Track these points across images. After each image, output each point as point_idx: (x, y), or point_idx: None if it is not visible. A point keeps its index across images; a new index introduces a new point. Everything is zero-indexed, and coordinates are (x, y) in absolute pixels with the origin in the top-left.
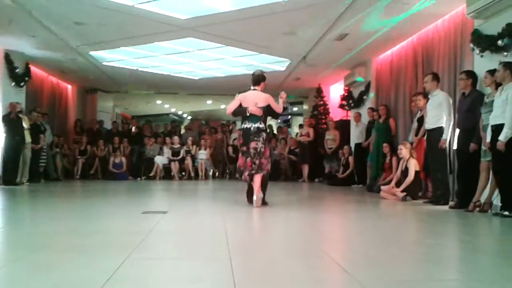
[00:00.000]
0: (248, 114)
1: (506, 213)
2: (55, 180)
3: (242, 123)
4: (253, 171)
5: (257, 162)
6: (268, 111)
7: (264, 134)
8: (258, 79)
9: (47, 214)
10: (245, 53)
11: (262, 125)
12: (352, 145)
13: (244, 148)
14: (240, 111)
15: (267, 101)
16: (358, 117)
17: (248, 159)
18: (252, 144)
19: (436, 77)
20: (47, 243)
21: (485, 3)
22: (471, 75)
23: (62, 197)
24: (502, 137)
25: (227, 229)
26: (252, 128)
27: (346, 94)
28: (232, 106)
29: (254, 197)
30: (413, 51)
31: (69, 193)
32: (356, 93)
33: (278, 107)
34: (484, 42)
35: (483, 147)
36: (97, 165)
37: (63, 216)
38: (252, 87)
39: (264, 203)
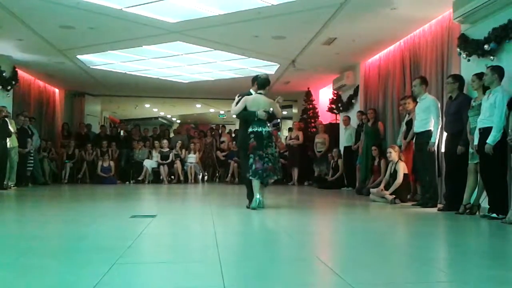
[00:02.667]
0: (256, 119)
1: (494, 215)
2: (42, 184)
3: (250, 126)
4: (276, 176)
5: (277, 166)
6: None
7: (273, 138)
8: (264, 82)
9: (34, 218)
10: (234, 57)
11: (270, 129)
12: (341, 148)
13: (261, 153)
14: (248, 115)
15: (271, 106)
16: (347, 120)
17: (270, 164)
18: (269, 150)
19: (424, 81)
20: (35, 247)
21: (472, 8)
22: (458, 79)
23: (50, 201)
24: (490, 140)
25: (217, 233)
26: (264, 133)
27: (335, 97)
28: (237, 108)
29: (258, 197)
30: (400, 55)
31: (56, 197)
32: (345, 96)
33: (279, 113)
34: (471, 46)
35: (470, 150)
36: (85, 169)
37: (51, 220)
38: (257, 91)
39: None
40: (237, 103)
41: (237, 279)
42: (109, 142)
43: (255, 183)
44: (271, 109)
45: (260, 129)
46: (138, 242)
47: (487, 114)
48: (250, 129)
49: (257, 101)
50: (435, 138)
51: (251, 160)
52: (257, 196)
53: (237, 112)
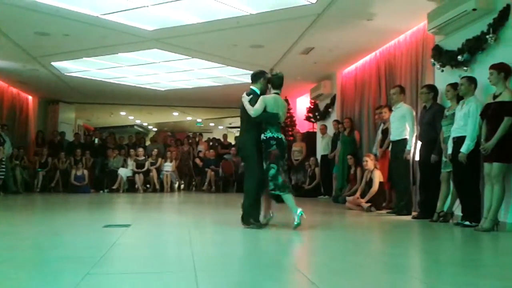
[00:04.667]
0: (278, 122)
1: (467, 223)
2: (14, 193)
3: (268, 131)
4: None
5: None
6: None
7: None
8: (281, 82)
9: (5, 228)
10: (211, 65)
11: None
12: (318, 156)
13: (282, 163)
14: (271, 117)
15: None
16: (324, 129)
17: (286, 178)
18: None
19: (403, 90)
20: (6, 258)
21: (445, 20)
22: (433, 89)
23: (21, 210)
24: (464, 149)
25: (192, 243)
26: (284, 140)
27: (312, 106)
28: (260, 108)
29: (300, 210)
30: (376, 65)
31: (28, 206)
32: (322, 105)
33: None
34: (445, 57)
35: (443, 159)
36: (58, 178)
37: (22, 230)
38: (273, 91)
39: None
40: (250, 103)
41: None
42: (83, 150)
43: (288, 197)
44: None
45: (281, 136)
46: (112, 252)
47: (461, 124)
48: (269, 134)
49: (277, 102)
50: (410, 146)
51: (272, 171)
52: (298, 210)
53: (259, 113)
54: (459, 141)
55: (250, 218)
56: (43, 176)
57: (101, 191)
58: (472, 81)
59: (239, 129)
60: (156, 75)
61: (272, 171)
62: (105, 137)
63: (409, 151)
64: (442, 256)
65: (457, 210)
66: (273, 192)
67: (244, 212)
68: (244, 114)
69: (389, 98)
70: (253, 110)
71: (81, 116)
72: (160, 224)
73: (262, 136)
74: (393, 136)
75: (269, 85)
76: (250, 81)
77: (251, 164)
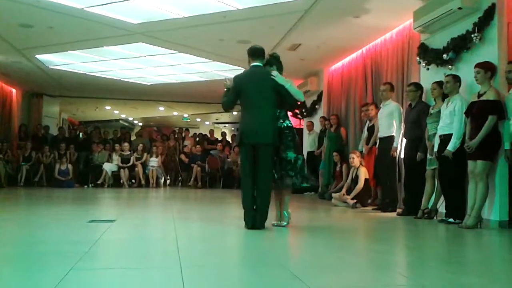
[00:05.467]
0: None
1: (451, 220)
2: None
3: (282, 119)
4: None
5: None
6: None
7: None
8: (281, 64)
9: None
10: (198, 60)
11: None
12: (305, 153)
13: None
14: (293, 97)
15: None
16: (310, 126)
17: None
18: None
19: (393, 88)
20: None
21: (431, 19)
22: (420, 87)
23: (4, 204)
24: (451, 147)
25: (178, 238)
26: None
27: (299, 103)
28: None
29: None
30: (362, 62)
31: (11, 200)
32: (308, 102)
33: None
34: (430, 55)
35: (428, 156)
36: (42, 172)
37: (5, 224)
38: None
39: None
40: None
41: (198, 285)
42: (67, 145)
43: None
44: None
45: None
46: (96, 247)
47: (448, 121)
48: (288, 122)
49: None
50: (397, 143)
51: (300, 162)
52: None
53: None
54: (445, 139)
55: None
56: (27, 170)
57: (86, 186)
58: (457, 79)
59: (246, 112)
60: (141, 69)
61: (299, 162)
62: (90, 132)
63: (396, 148)
64: (426, 252)
65: (441, 207)
66: (303, 185)
67: (263, 216)
68: (269, 95)
69: (378, 94)
70: (301, 94)
71: (65, 110)
72: (145, 219)
73: (283, 124)
74: (381, 133)
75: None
76: (251, 56)
77: (272, 155)
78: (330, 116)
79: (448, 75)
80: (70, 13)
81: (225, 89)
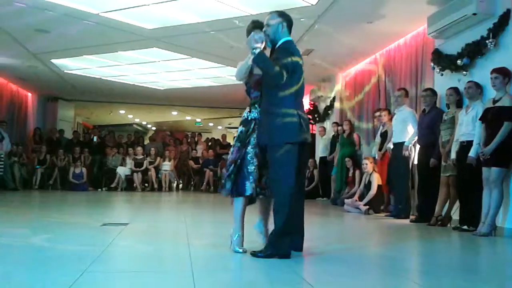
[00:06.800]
0: None
1: (465, 227)
2: (12, 189)
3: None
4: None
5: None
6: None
7: (238, 128)
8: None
9: (2, 225)
10: (211, 65)
11: (244, 113)
12: (317, 158)
13: None
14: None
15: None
16: (323, 131)
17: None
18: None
19: (407, 94)
20: (3, 255)
21: (445, 24)
22: (435, 92)
23: (19, 207)
24: (473, 153)
25: (190, 242)
26: None
27: (311, 108)
28: None
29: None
30: (376, 68)
31: (26, 203)
32: (321, 107)
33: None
34: (444, 61)
35: (443, 163)
36: (57, 175)
37: (19, 226)
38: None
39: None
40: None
41: None
42: (81, 148)
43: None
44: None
45: None
46: (109, 250)
47: (470, 128)
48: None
49: None
50: (409, 142)
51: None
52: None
53: None
54: (468, 145)
55: (275, 250)
56: (41, 173)
57: (99, 189)
58: (478, 85)
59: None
60: (155, 74)
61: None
62: (104, 135)
63: (407, 147)
64: (440, 260)
65: (455, 215)
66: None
67: (271, 240)
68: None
69: (392, 100)
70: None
71: (80, 114)
72: (157, 223)
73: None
74: (395, 138)
75: None
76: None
77: (282, 154)
78: (343, 121)
79: (470, 81)
80: (85, 18)
81: (256, 52)
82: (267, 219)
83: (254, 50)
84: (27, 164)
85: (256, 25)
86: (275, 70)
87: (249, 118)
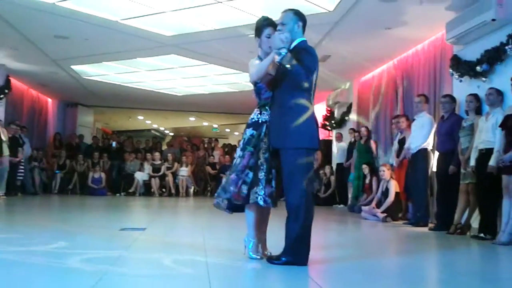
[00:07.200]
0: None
1: (482, 235)
2: (32, 194)
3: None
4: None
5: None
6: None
7: (245, 134)
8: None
9: (21, 229)
10: (228, 72)
11: (253, 115)
12: (334, 165)
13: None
14: None
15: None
16: (339, 137)
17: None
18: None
19: (427, 100)
20: (22, 260)
21: (464, 30)
22: (454, 99)
23: (39, 211)
24: (493, 162)
25: (206, 247)
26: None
27: (328, 114)
28: None
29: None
30: (394, 74)
31: (46, 207)
32: (338, 113)
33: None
34: (463, 67)
35: (462, 170)
36: (76, 180)
37: (38, 230)
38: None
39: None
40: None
41: None
42: (100, 153)
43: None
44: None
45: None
46: (127, 255)
47: (490, 135)
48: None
49: None
50: (415, 147)
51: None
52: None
53: None
54: (487, 152)
55: (292, 257)
56: (61, 178)
57: (118, 194)
58: (499, 92)
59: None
60: (173, 80)
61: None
62: (122, 141)
63: (410, 148)
64: (458, 268)
65: (475, 223)
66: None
67: (288, 247)
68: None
69: (410, 106)
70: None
71: (99, 119)
72: (174, 228)
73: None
74: (413, 145)
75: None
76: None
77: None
78: (360, 128)
79: (491, 88)
80: (105, 25)
81: (283, 52)
82: (261, 231)
83: (280, 51)
84: (47, 169)
85: (270, 22)
86: (303, 72)
87: (260, 121)
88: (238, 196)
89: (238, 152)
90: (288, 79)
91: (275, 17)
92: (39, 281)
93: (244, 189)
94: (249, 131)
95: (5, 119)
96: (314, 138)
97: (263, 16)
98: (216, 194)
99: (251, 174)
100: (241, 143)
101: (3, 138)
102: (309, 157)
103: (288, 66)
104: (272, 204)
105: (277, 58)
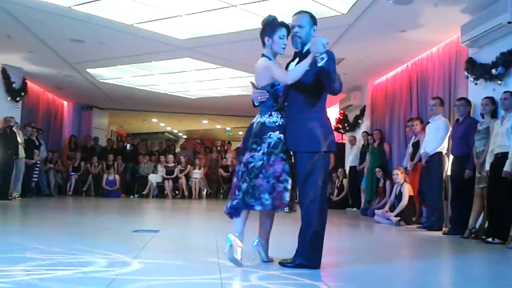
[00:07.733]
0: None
1: (496, 240)
2: (47, 196)
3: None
4: (234, 202)
5: (243, 185)
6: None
7: (268, 137)
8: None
9: (36, 230)
10: (242, 75)
11: (265, 119)
12: (347, 168)
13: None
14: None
15: (263, 74)
16: (353, 140)
17: (234, 180)
18: (246, 156)
19: (442, 103)
20: (34, 260)
21: (479, 33)
22: (469, 102)
23: (54, 213)
24: (508, 167)
25: (219, 249)
26: (254, 125)
27: (341, 117)
28: None
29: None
30: (408, 77)
31: (60, 209)
32: (351, 116)
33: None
34: (478, 70)
35: (477, 174)
36: (90, 182)
37: (53, 231)
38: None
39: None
40: None
41: None
42: (115, 156)
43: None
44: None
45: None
46: (139, 257)
47: (505, 139)
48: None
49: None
50: (431, 150)
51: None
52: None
53: None
54: (502, 157)
55: (305, 261)
56: (75, 180)
57: (131, 196)
58: None
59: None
60: (187, 83)
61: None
62: (136, 143)
63: (427, 153)
64: (472, 273)
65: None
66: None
67: (301, 250)
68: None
69: (424, 109)
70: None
71: (114, 122)
72: (187, 230)
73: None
74: (427, 147)
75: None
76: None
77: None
78: (374, 131)
79: (506, 92)
80: (120, 29)
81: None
82: (267, 235)
83: (323, 55)
84: (62, 171)
85: (283, 23)
86: (338, 76)
87: (281, 124)
88: (281, 203)
89: (258, 156)
90: (314, 83)
91: (288, 19)
92: (52, 281)
93: (286, 196)
94: (276, 135)
95: (21, 122)
96: (330, 142)
97: (271, 15)
98: (237, 201)
99: (290, 180)
100: (261, 146)
101: (19, 140)
102: (325, 160)
103: (332, 72)
104: (290, 209)
105: (321, 62)
